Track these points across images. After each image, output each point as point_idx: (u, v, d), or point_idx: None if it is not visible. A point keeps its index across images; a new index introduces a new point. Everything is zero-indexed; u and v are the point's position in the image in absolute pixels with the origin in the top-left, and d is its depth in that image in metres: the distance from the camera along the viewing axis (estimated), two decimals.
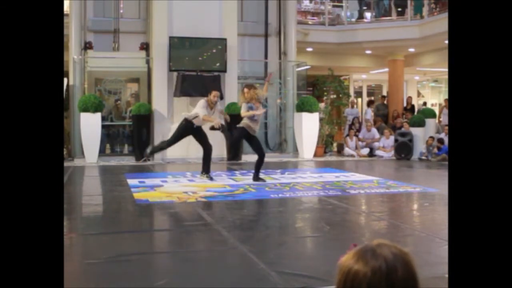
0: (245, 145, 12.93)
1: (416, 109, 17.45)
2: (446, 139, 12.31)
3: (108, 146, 13.31)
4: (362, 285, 1.18)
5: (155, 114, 12.18)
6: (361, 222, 6.03)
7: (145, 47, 13.12)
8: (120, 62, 12.79)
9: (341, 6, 16.77)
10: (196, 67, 12.13)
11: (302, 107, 12.97)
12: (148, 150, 9.68)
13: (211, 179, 8.71)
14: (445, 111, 15.14)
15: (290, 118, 13.66)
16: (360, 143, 14.27)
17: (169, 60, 12.06)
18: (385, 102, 17.84)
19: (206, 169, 8.89)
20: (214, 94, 8.73)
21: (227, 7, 12.45)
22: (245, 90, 8.52)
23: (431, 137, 12.97)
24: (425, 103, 18.97)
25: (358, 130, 14.95)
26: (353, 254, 1.23)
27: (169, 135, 11.54)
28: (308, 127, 12.89)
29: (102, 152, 12.27)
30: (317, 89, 15.49)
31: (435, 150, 12.58)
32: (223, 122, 8.69)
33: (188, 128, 8.74)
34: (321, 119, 13.66)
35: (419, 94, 21.65)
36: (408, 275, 1.21)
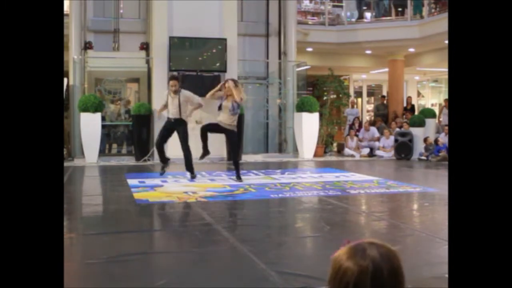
0: (246, 144, 12.96)
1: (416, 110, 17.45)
2: (446, 139, 12.31)
3: (107, 146, 13.33)
4: (349, 283, 1.24)
5: (155, 114, 12.17)
6: (361, 222, 6.03)
7: (145, 47, 13.12)
8: (120, 62, 12.80)
9: (341, 6, 16.77)
10: (196, 67, 12.13)
11: (302, 107, 12.97)
12: (161, 169, 9.11)
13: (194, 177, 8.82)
14: (445, 111, 15.13)
15: (290, 118, 13.66)
16: (360, 143, 14.28)
17: (169, 60, 12.06)
18: (385, 102, 17.84)
19: (190, 169, 8.87)
20: (170, 84, 8.75)
21: (227, 7, 12.44)
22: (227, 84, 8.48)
23: (428, 137, 12.97)
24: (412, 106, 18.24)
25: (358, 130, 14.96)
26: (345, 251, 1.28)
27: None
28: (308, 127, 12.89)
29: (102, 152, 12.27)
30: (317, 89, 15.50)
31: (439, 143, 12.52)
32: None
33: (167, 123, 8.79)
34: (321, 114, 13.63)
35: (419, 94, 21.64)
36: (394, 277, 1.25)
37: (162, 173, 8.93)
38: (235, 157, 8.81)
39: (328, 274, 1.29)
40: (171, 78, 9.09)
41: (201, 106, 8.91)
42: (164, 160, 8.97)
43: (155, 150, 11.97)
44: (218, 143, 12.11)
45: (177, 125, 8.73)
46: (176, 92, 8.69)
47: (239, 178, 8.58)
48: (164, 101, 8.99)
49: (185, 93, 8.84)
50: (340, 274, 1.25)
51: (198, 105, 8.86)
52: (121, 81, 13.16)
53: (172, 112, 8.74)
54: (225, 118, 8.44)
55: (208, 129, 8.67)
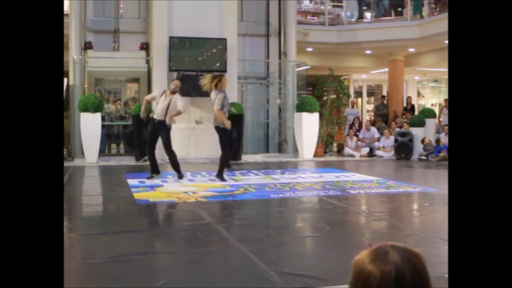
0: (246, 144, 12.96)
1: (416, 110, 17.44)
2: (446, 139, 12.32)
3: (107, 146, 13.34)
4: (369, 286, 1.22)
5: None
6: (361, 222, 6.03)
7: (145, 47, 13.12)
8: (120, 62, 12.80)
9: (341, 6, 16.78)
10: (196, 67, 12.13)
11: (302, 107, 12.97)
12: (150, 174, 8.79)
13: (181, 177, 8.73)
14: (445, 111, 15.14)
15: (290, 118, 13.66)
16: (359, 143, 14.28)
17: (169, 60, 12.06)
18: (385, 102, 17.84)
19: (176, 170, 8.78)
20: (177, 84, 8.67)
21: (227, 7, 12.45)
22: (223, 79, 8.44)
23: (425, 137, 12.98)
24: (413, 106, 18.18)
25: (358, 130, 14.97)
26: (367, 255, 1.26)
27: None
28: (308, 127, 12.89)
29: (102, 152, 12.27)
30: (317, 89, 15.50)
31: (441, 143, 12.52)
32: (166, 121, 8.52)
33: (151, 128, 8.69)
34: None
35: (419, 94, 21.64)
36: (418, 280, 1.24)
37: (150, 177, 8.75)
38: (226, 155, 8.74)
39: (350, 277, 1.28)
40: (180, 79, 9.08)
41: (179, 113, 8.61)
42: (156, 170, 8.83)
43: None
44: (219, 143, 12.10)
45: (160, 128, 8.55)
46: (174, 93, 8.58)
47: (220, 176, 8.56)
48: (156, 96, 8.85)
49: (177, 97, 8.56)
50: (362, 278, 1.24)
51: (177, 112, 8.51)
52: (121, 81, 13.16)
53: (157, 113, 8.55)
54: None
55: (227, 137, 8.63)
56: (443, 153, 12.19)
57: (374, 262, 1.23)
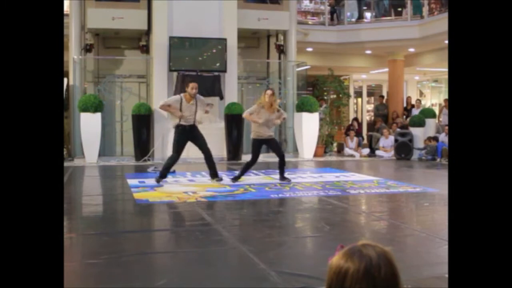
0: (245, 144, 12.96)
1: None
2: (446, 139, 12.31)
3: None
4: (349, 282, 1.31)
5: (155, 114, 12.18)
6: (361, 222, 6.03)
7: (145, 47, 13.11)
8: (120, 62, 12.78)
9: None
10: (196, 67, 12.13)
11: (302, 107, 12.97)
12: (157, 177, 8.33)
13: (221, 180, 8.49)
14: (445, 111, 15.14)
15: (290, 118, 13.65)
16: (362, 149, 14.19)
17: (169, 60, 12.05)
18: (384, 102, 17.84)
19: (214, 172, 8.54)
20: (191, 86, 8.05)
21: (227, 7, 12.45)
22: (268, 92, 8.33)
23: (428, 138, 12.97)
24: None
25: (358, 131, 14.91)
26: (342, 255, 1.36)
27: (169, 135, 11.59)
28: (308, 127, 12.89)
29: (102, 152, 12.26)
30: (317, 89, 15.49)
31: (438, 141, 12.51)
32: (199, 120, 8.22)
33: (182, 131, 8.16)
34: (321, 119, 13.64)
35: (421, 93, 21.63)
36: (391, 272, 1.34)
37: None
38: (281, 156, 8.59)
39: (327, 279, 1.36)
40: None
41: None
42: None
43: (154, 150, 12.01)
44: (218, 143, 12.12)
45: (194, 134, 8.29)
46: (194, 96, 8.17)
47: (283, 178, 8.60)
48: (175, 104, 8.17)
49: (202, 100, 8.37)
50: (341, 276, 1.32)
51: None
52: (121, 81, 13.16)
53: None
54: (262, 129, 8.53)
55: (256, 148, 8.71)
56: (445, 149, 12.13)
57: (350, 260, 1.33)
